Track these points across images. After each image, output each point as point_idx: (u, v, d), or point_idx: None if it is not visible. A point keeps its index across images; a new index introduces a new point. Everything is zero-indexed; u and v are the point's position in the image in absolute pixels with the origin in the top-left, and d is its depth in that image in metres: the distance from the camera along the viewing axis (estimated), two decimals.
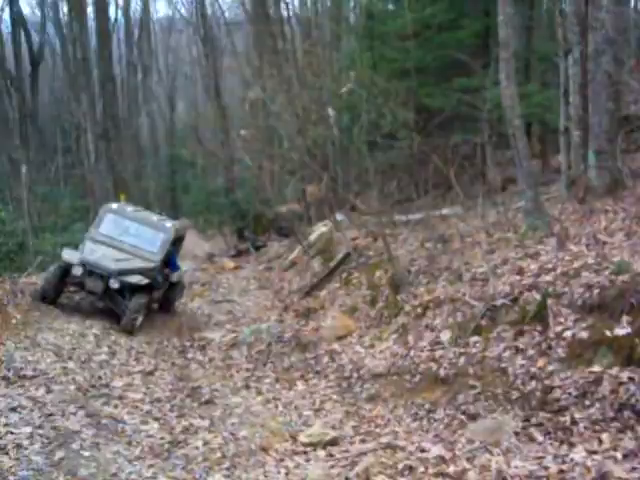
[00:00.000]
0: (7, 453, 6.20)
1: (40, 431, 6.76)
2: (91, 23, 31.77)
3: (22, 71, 38.02)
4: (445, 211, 14.75)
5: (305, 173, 19.02)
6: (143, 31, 44.78)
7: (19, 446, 6.36)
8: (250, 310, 15.51)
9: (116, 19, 43.25)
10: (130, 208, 14.69)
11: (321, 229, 18.28)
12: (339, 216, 18.24)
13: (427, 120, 16.92)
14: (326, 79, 19.07)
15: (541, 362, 7.71)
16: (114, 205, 14.65)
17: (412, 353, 9.52)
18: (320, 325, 12.47)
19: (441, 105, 16.46)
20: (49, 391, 8.05)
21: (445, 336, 9.37)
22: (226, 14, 44.05)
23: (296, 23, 31.50)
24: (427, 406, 8.23)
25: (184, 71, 52.25)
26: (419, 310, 10.44)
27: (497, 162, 15.62)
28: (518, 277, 9.31)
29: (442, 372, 8.69)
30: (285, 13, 30.23)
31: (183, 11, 49.60)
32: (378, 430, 7.89)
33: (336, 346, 11.17)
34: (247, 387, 9.83)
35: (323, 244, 17.37)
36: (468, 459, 6.42)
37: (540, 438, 6.68)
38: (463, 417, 7.63)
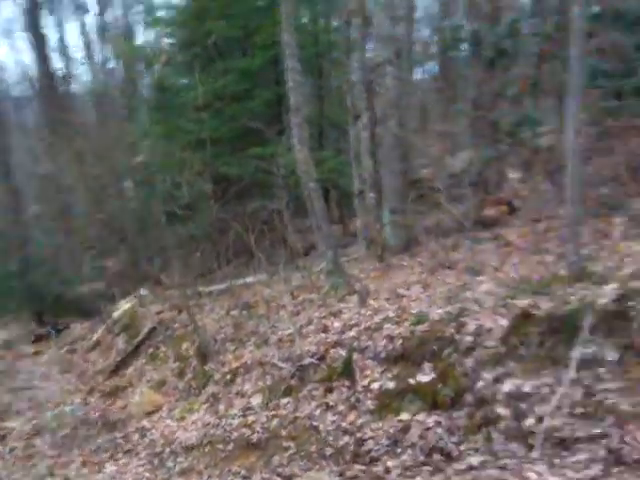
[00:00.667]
0: None
1: None
2: None
3: None
4: (249, 279, 14.80)
5: (104, 248, 18.54)
6: None
7: None
8: (53, 395, 14.72)
9: None
10: None
11: (125, 306, 17.79)
12: (143, 291, 17.86)
13: (225, 189, 17.03)
14: (120, 152, 18.82)
15: (351, 416, 7.80)
16: None
17: (224, 421, 9.36)
18: (128, 402, 12.05)
19: (238, 173, 16.66)
20: None
21: (256, 400, 9.30)
22: (13, 89, 42.80)
23: (88, 96, 31.03)
24: (243, 472, 8.07)
25: None
26: (228, 377, 10.33)
27: (297, 229, 15.89)
28: (323, 335, 9.44)
29: (255, 437, 8.58)
30: (75, 86, 29.75)
31: None
32: None
33: (146, 422, 10.81)
34: (51, 475, 9.29)
35: (127, 320, 16.89)
36: None
37: None
38: (279, 479, 7.54)
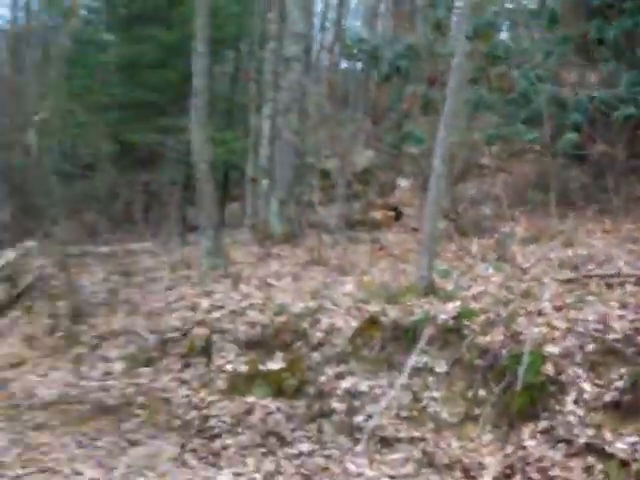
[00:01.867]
0: None
1: None
2: None
3: None
4: (133, 246, 15.05)
5: None
6: None
7: None
8: None
9: None
10: None
11: (9, 255, 17.72)
12: (30, 243, 17.81)
13: (126, 155, 17.19)
14: (27, 102, 18.68)
15: (203, 393, 8.29)
16: None
17: (83, 383, 9.67)
18: None
19: (141, 142, 16.81)
20: None
21: (117, 366, 9.66)
22: None
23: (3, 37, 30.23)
24: (92, 434, 8.42)
25: None
26: (95, 341, 10.63)
27: (188, 205, 16.24)
28: (191, 313, 9.87)
29: (110, 402, 8.94)
30: None
31: None
32: (42, 457, 7.94)
33: (9, 374, 10.97)
34: None
35: (11, 271, 16.86)
36: None
37: (194, 462, 7.16)
38: (125, 444, 7.93)
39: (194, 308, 10.01)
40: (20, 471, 7.26)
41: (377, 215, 14.41)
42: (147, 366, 9.29)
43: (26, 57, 22.91)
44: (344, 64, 24.75)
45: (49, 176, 15.47)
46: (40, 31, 25.20)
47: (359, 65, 18.18)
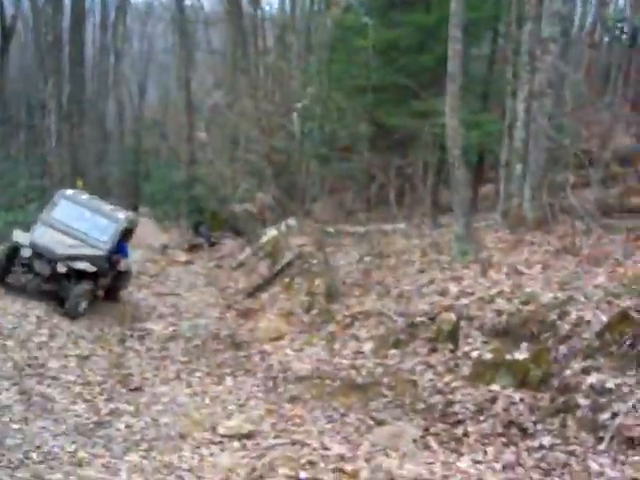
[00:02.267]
0: None
1: None
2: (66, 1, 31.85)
3: None
4: (388, 227, 15.37)
5: (262, 176, 19.59)
6: (119, 15, 44.75)
7: None
8: (194, 305, 15.97)
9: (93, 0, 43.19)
10: (85, 196, 15.08)
11: (272, 233, 18.81)
12: (290, 221, 18.75)
13: (382, 138, 17.54)
14: (292, 87, 19.64)
15: (447, 378, 8.40)
16: (69, 191, 15.04)
17: (336, 360, 10.13)
18: (256, 326, 13.01)
19: (396, 125, 17.06)
20: None
21: (367, 347, 10.01)
22: (205, 7, 44.22)
23: (271, 26, 31.77)
24: (342, 410, 8.82)
25: (158, 59, 52.31)
26: (348, 320, 11.07)
27: (441, 190, 16.32)
28: (440, 298, 9.98)
29: (359, 380, 9.31)
30: (260, 13, 30.32)
31: None
32: (294, 428, 8.44)
33: (268, 347, 11.72)
34: (178, 378, 10.32)
35: (272, 247, 17.90)
36: (366, 459, 7.02)
37: (435, 446, 7.31)
38: (371, 422, 8.24)
39: (443, 293, 10.11)
40: (273, 441, 7.78)
41: (636, 201, 13.65)
42: (395, 348, 9.53)
43: (292, 45, 23.91)
44: (605, 46, 23.47)
45: (310, 159, 16.19)
46: (304, 19, 26.16)
47: (620, 47, 17.20)
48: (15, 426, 6.94)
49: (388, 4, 19.89)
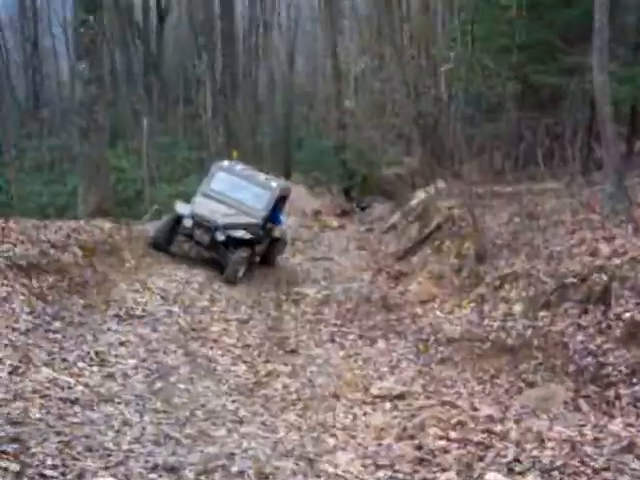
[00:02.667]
0: (115, 380, 7.35)
1: (144, 364, 7.91)
2: None
3: (149, 22, 39.23)
4: (537, 187, 15.12)
5: (410, 139, 19.68)
6: None
7: (125, 375, 7.51)
8: (346, 269, 16.37)
9: None
10: (240, 166, 15.74)
11: (421, 195, 18.90)
12: (440, 184, 18.75)
13: (529, 97, 17.19)
14: (437, 50, 19.54)
15: (599, 340, 8.30)
16: (225, 163, 15.73)
17: (486, 322, 10.21)
18: (407, 289, 13.23)
19: (546, 82, 16.67)
20: (154, 330, 9.23)
21: (517, 308, 10.02)
22: None
23: None
24: (492, 372, 8.92)
25: (305, 27, 52.93)
26: (497, 282, 11.07)
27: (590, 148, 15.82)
28: (591, 258, 9.81)
29: (510, 342, 9.36)
30: None
31: None
32: (444, 390, 8.64)
33: (419, 310, 11.93)
34: (332, 341, 10.72)
35: (421, 210, 18.00)
36: (516, 421, 7.10)
37: (586, 408, 7.32)
38: (522, 384, 8.31)
39: (594, 253, 9.93)
40: (423, 402, 8.01)
41: None
42: (545, 309, 9.48)
43: (436, 7, 23.67)
44: None
45: (457, 121, 16.14)
46: None
47: None
48: (182, 386, 7.50)
49: None
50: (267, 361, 9.15)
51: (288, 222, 19.96)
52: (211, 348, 9.23)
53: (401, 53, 19.88)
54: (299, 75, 48.59)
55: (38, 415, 6.03)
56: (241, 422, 6.94)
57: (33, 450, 5.23)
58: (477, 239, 12.78)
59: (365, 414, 7.74)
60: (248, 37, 44.05)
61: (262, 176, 15.73)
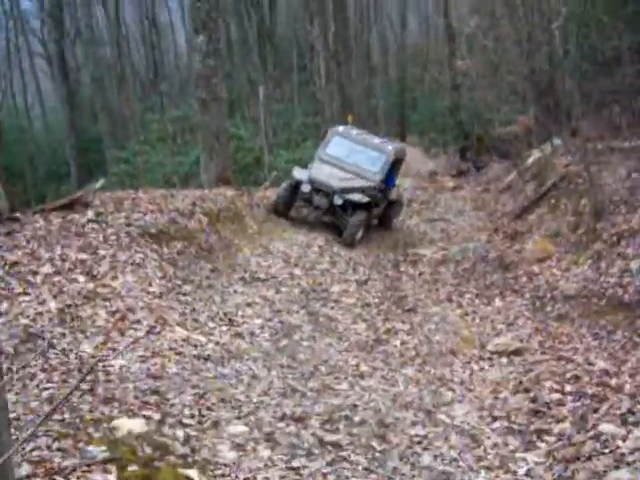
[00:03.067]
0: (243, 338, 7.90)
1: (269, 323, 8.45)
2: None
3: None
4: None
5: (525, 97, 19.49)
6: None
7: (252, 334, 8.06)
8: (463, 230, 16.51)
9: None
10: (355, 131, 16.06)
11: (537, 154, 18.73)
12: (556, 141, 18.52)
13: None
14: (549, 5, 19.17)
15: None
16: (341, 128, 16.08)
17: (602, 279, 10.24)
18: (523, 247, 13.29)
19: None
20: (278, 292, 9.77)
21: (634, 265, 10.00)
22: None
23: None
24: (609, 328, 9.00)
25: None
26: (614, 239, 11.03)
27: None
28: None
29: (626, 298, 9.39)
30: None
31: None
32: (560, 346, 8.80)
33: (535, 268, 12.01)
34: (449, 300, 11.01)
35: (537, 169, 17.86)
36: (630, 375, 7.24)
37: None
38: (638, 339, 8.38)
39: None
40: (539, 357, 8.21)
41: None
42: None
43: None
44: None
45: (572, 76, 15.92)
46: None
47: None
48: (305, 343, 7.99)
49: None
50: (386, 319, 9.53)
51: (405, 184, 20.21)
52: (332, 308, 9.69)
53: (513, 10, 19.62)
54: (411, 36, 48.31)
55: (174, 370, 6.60)
56: (362, 376, 7.35)
57: (172, 401, 5.78)
58: (594, 196, 12.69)
59: (482, 369, 8.03)
60: (359, 1, 44.09)
61: (377, 140, 16.01)
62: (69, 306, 7.39)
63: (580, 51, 15.14)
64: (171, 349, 7.17)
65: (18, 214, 9.24)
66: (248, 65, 34.87)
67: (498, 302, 10.92)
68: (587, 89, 16.04)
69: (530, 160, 18.74)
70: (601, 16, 15.57)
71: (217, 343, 7.67)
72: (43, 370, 5.93)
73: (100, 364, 6.27)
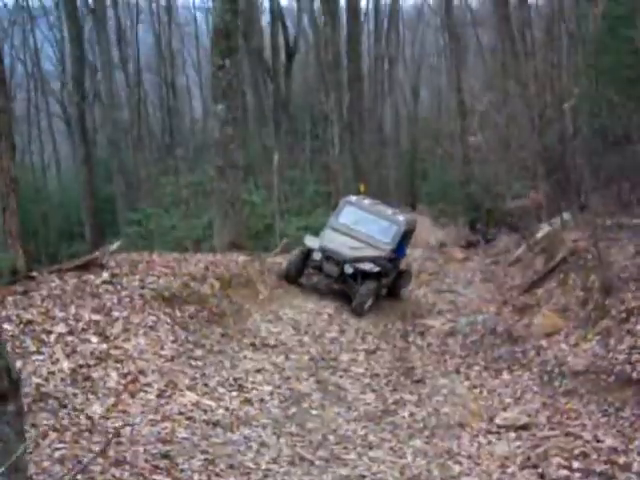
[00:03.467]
0: (253, 405, 7.96)
1: (278, 390, 8.52)
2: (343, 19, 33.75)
3: (278, 61, 40.50)
4: None
5: (535, 173, 19.75)
6: (392, 22, 46.23)
7: (262, 400, 8.12)
8: (471, 302, 16.54)
9: (366, 13, 45.08)
10: (367, 201, 16.29)
11: (546, 228, 18.89)
12: (565, 216, 18.69)
13: None
14: (561, 84, 19.58)
15: None
16: (353, 198, 16.31)
17: (611, 355, 10.26)
18: (532, 321, 13.32)
19: None
20: (287, 359, 9.84)
21: None
22: (474, 5, 44.58)
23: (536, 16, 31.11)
24: (617, 404, 9.00)
25: (429, 61, 53.44)
26: (623, 315, 11.08)
27: None
28: None
29: (635, 375, 9.40)
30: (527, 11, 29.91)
31: (431, 0, 50.76)
32: (568, 422, 8.79)
33: (543, 342, 12.02)
34: (457, 372, 11.02)
35: (546, 243, 17.99)
36: (639, 453, 7.25)
37: None
38: None
39: None
40: (547, 432, 8.21)
41: None
42: None
43: (559, 39, 23.53)
44: None
45: (582, 153, 16.17)
46: (571, 10, 25.46)
47: None
48: (314, 412, 8.04)
49: None
50: (394, 390, 9.56)
51: (414, 254, 20.33)
52: (341, 376, 9.73)
53: (525, 88, 20.02)
54: (424, 109, 49.06)
55: (184, 435, 6.66)
56: (370, 447, 7.38)
57: (181, 466, 5.83)
58: (602, 272, 12.78)
59: (489, 443, 8.03)
60: (374, 73, 44.86)
61: (389, 210, 16.22)
62: (81, 366, 7.49)
63: (591, 129, 15.38)
64: (181, 413, 7.23)
65: (35, 273, 9.39)
66: (263, 132, 35.37)
67: (506, 375, 10.93)
68: (597, 166, 16.28)
69: (540, 234, 18.87)
70: (612, 96, 15.86)
71: (227, 409, 7.73)
72: (55, 430, 6.00)
73: (110, 424, 6.34)
